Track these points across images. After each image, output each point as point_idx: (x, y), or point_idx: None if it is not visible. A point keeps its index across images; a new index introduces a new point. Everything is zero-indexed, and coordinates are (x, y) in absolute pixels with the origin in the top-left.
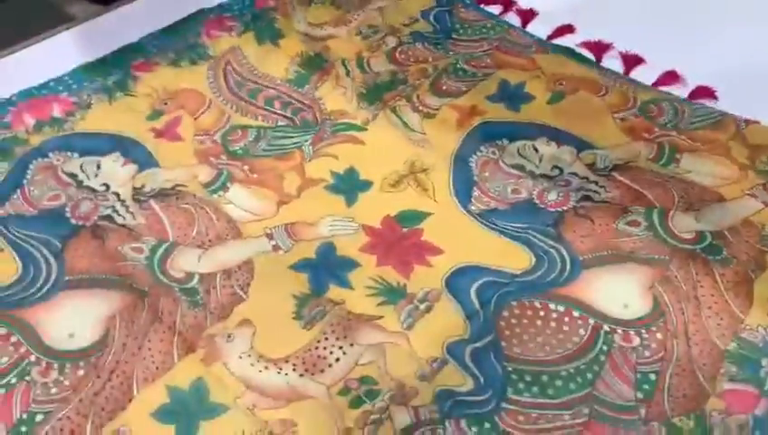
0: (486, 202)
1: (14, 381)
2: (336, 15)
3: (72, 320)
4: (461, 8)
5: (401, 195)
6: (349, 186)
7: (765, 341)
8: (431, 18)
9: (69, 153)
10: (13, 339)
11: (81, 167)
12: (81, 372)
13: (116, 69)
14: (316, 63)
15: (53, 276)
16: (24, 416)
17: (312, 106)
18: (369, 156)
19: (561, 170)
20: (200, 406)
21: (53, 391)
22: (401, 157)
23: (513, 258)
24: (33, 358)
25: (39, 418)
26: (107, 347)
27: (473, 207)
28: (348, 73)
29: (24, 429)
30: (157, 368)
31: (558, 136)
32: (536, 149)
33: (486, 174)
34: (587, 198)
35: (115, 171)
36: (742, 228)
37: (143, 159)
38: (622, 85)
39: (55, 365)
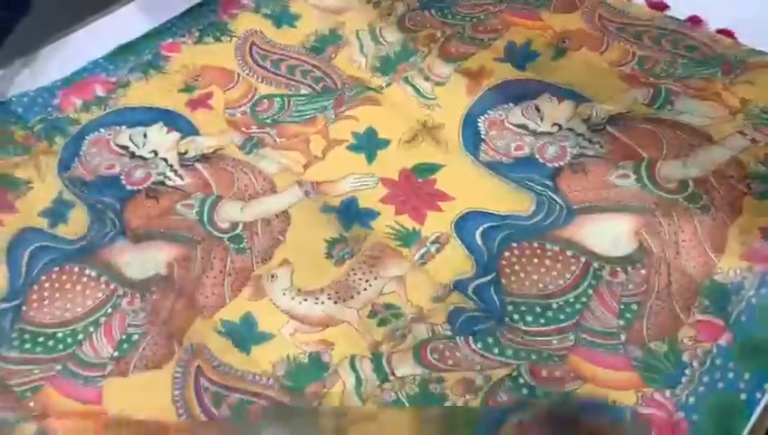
0: (492, 155)
1: (110, 311)
2: None
3: (137, 265)
4: None
5: (416, 149)
6: (369, 144)
7: (734, 283)
8: None
9: (117, 127)
10: (103, 278)
11: (130, 138)
12: (155, 297)
13: (147, 50)
14: (330, 40)
15: (117, 228)
16: (124, 337)
17: (330, 73)
18: (386, 116)
19: (560, 126)
20: (250, 334)
21: (141, 315)
22: (415, 117)
23: (516, 203)
24: (120, 292)
25: (135, 338)
26: (170, 286)
27: (482, 160)
28: (362, 48)
29: (125, 346)
30: (212, 307)
31: (559, 91)
32: (538, 109)
33: (493, 132)
34: (582, 154)
35: (161, 139)
36: (727, 168)
37: (185, 128)
38: (620, 44)
39: (138, 294)
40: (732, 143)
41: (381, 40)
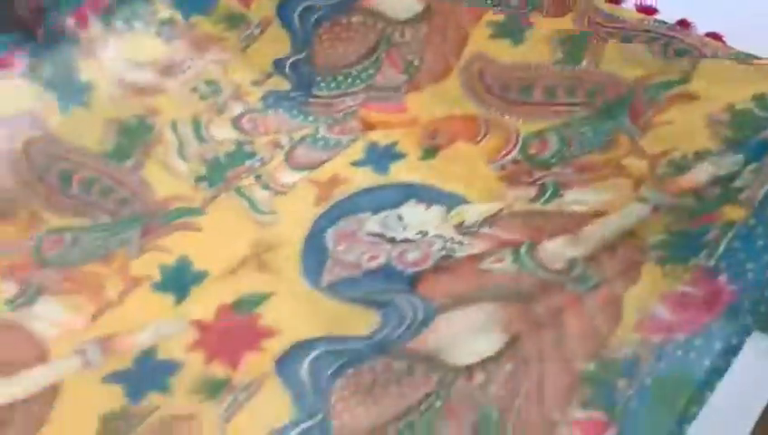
0: (338, 273)
1: None
2: (163, 53)
3: None
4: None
5: (239, 281)
6: (179, 280)
7: (625, 361)
8: (287, 70)
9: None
10: None
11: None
12: None
13: None
14: (139, 132)
15: None
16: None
17: (137, 191)
18: (207, 243)
19: (426, 233)
20: None
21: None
22: (244, 239)
23: (357, 323)
24: None
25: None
26: None
27: (322, 281)
28: (181, 148)
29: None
30: None
31: (428, 196)
32: (401, 218)
33: (342, 247)
34: (448, 256)
35: None
36: (620, 243)
37: None
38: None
39: None
40: (628, 214)
41: (207, 138)
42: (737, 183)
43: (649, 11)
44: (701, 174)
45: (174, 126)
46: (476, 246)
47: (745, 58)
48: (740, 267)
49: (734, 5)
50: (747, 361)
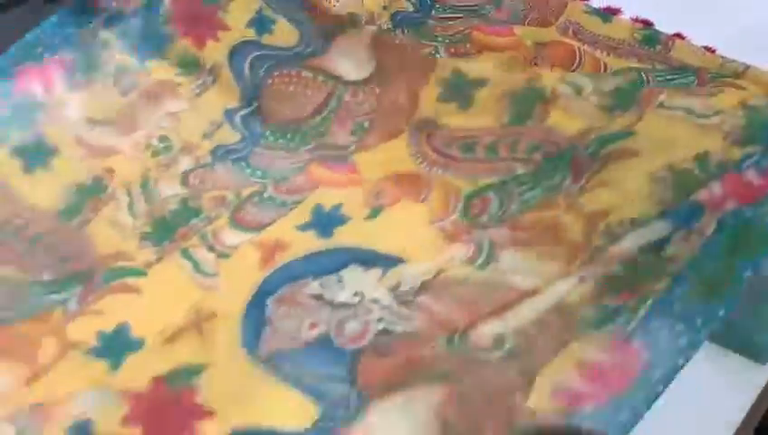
0: (277, 344)
1: None
2: (120, 107)
3: None
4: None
5: (176, 350)
6: (115, 347)
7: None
8: (236, 120)
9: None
10: None
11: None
12: None
13: None
14: (92, 191)
15: None
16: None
17: (81, 250)
18: (146, 307)
19: (363, 296)
20: None
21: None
22: (185, 304)
23: (297, 412)
24: None
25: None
26: None
27: (261, 352)
28: (130, 205)
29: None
30: None
31: (367, 258)
32: (339, 279)
33: (281, 310)
34: (388, 331)
35: None
36: (548, 317)
37: None
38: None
39: None
40: (558, 288)
41: (156, 196)
42: (667, 252)
43: (645, 23)
44: (630, 242)
45: (127, 185)
46: (412, 322)
47: (744, 69)
48: (654, 335)
49: (729, 18)
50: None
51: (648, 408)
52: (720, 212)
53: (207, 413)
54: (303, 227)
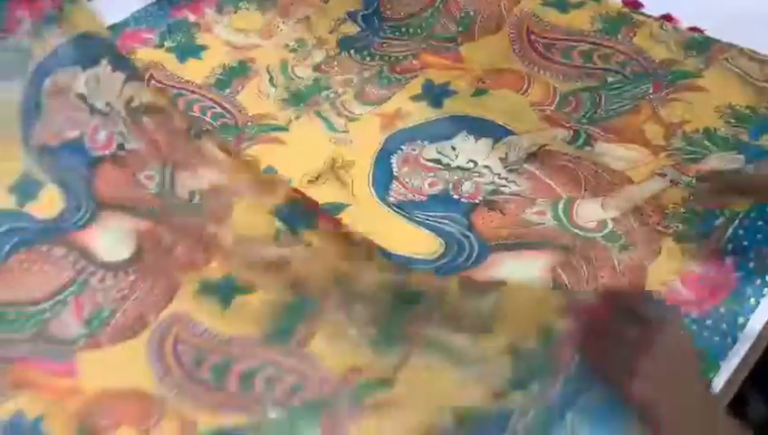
0: (404, 193)
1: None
2: (263, 22)
3: None
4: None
5: (320, 190)
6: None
7: None
8: (358, 19)
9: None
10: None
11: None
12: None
13: None
14: (238, 71)
15: None
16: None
17: (231, 111)
18: (290, 155)
19: (476, 163)
20: None
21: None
22: (322, 155)
23: (423, 245)
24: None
25: (105, 314)
26: None
27: (391, 199)
28: (271, 80)
29: (95, 322)
30: None
31: (478, 127)
32: (453, 148)
33: (406, 169)
34: (497, 192)
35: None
36: (646, 208)
37: None
38: (544, 75)
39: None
40: (651, 185)
41: (293, 75)
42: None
43: (635, 4)
44: (711, 164)
45: (267, 68)
46: (520, 185)
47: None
48: (744, 254)
49: (717, 1)
50: None
51: (745, 318)
52: None
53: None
54: (417, 98)
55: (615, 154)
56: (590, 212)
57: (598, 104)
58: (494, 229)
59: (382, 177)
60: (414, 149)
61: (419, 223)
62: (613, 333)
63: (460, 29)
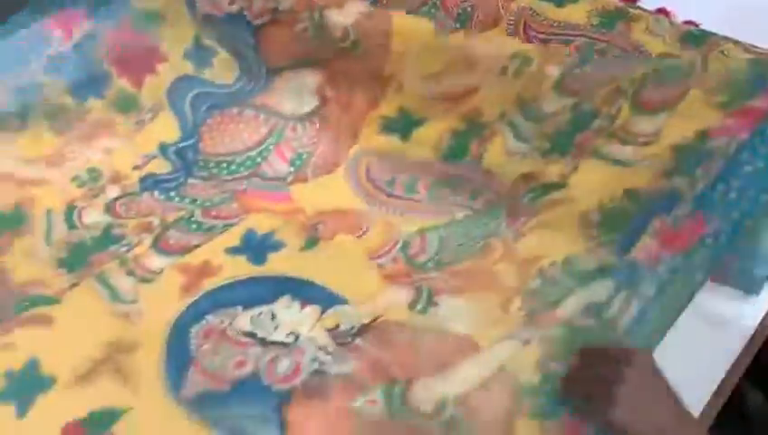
0: (203, 383)
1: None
2: (55, 148)
3: None
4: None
5: (93, 390)
6: (24, 387)
7: None
8: (171, 154)
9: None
10: None
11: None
12: None
13: None
14: (10, 222)
15: None
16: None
17: None
18: (58, 340)
19: (298, 336)
20: None
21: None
22: (101, 336)
23: None
24: None
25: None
26: None
27: (185, 392)
28: (48, 234)
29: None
30: None
31: (305, 292)
32: (273, 316)
33: (207, 346)
34: (321, 372)
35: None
36: (492, 384)
37: None
38: (386, 218)
39: None
40: (500, 351)
41: (77, 224)
42: (610, 312)
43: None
44: (572, 305)
45: (48, 214)
46: (349, 363)
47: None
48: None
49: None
50: None
51: None
52: (656, 266)
53: None
54: (234, 251)
55: (461, 313)
56: (428, 394)
57: (445, 245)
58: (315, 427)
59: (177, 359)
60: (222, 321)
61: (217, 425)
62: (588, 376)
63: (291, 169)
